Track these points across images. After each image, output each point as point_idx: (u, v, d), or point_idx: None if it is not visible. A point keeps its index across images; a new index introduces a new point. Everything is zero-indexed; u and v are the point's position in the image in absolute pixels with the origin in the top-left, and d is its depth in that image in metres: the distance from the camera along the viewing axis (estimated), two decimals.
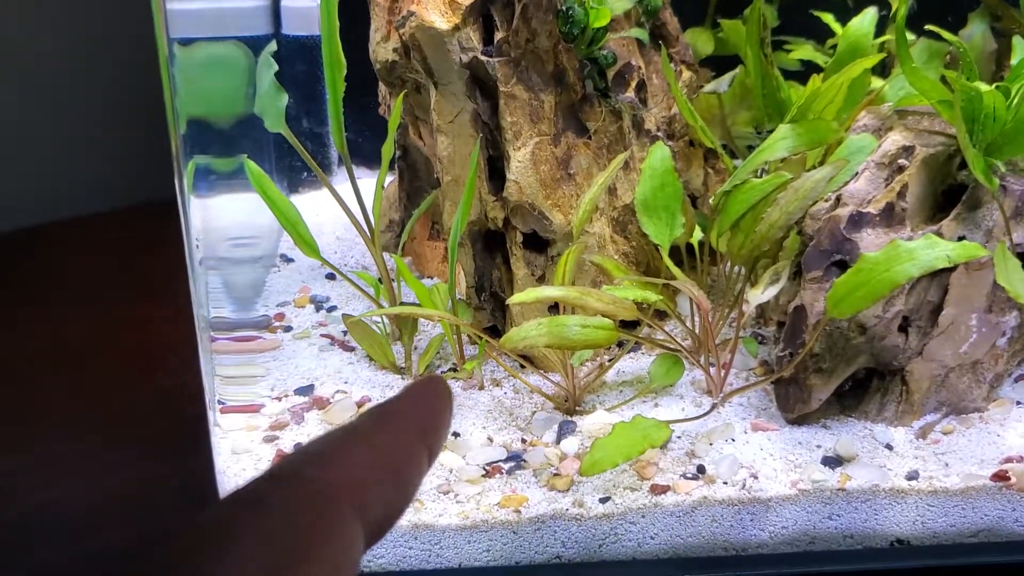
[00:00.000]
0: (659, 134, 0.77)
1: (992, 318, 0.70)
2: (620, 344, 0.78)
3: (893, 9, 0.81)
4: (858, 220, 0.66)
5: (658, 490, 0.65)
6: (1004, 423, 0.71)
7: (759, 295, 0.71)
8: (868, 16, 0.76)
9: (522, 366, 0.75)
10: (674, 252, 0.75)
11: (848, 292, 0.62)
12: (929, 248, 0.60)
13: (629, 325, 0.76)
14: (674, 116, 0.78)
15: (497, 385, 0.74)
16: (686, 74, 0.79)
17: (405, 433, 0.32)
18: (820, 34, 0.88)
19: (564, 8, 0.69)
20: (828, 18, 0.79)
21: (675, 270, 0.69)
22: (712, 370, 0.72)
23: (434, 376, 0.35)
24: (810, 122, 0.67)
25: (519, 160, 0.70)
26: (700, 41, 0.83)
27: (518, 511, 0.64)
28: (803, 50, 0.82)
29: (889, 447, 0.68)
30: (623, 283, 0.67)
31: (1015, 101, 0.67)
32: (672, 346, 0.72)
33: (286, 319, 0.81)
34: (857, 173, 0.69)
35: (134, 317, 0.96)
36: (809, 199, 0.64)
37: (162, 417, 0.76)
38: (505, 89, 0.70)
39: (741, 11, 0.82)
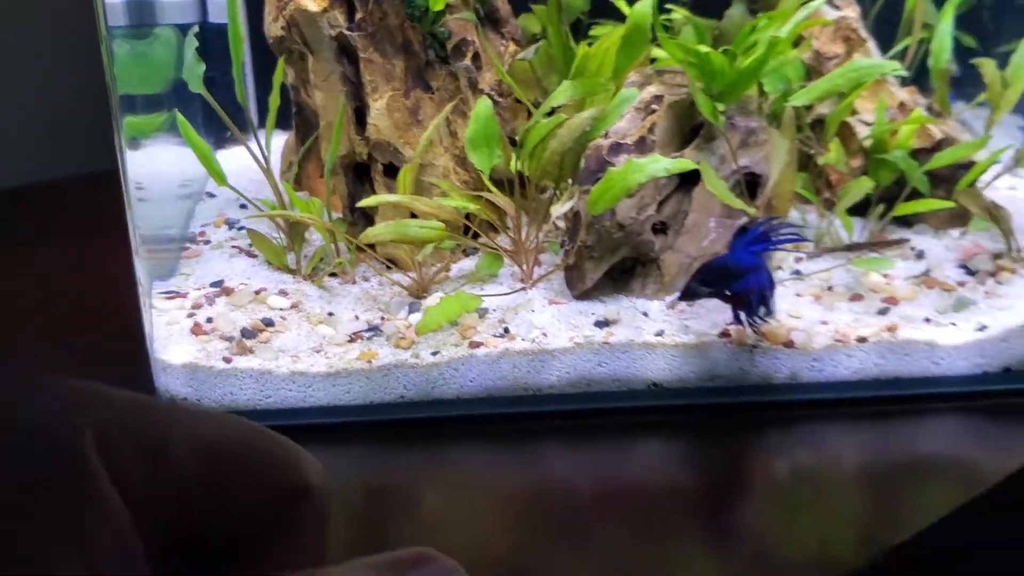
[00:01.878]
0: (491, 93, 1.00)
1: (727, 220, 0.93)
2: (465, 252, 1.01)
3: None
4: (616, 149, 0.89)
5: (474, 345, 0.87)
6: None
7: (559, 209, 0.94)
8: (646, 2, 0.99)
9: (388, 267, 0.97)
10: (509, 185, 0.97)
11: (599, 196, 0.85)
12: (653, 163, 0.83)
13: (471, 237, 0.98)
14: None
15: (366, 280, 0.97)
16: (512, 48, 1.02)
17: None
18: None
19: None
20: (621, 3, 1.01)
21: (493, 188, 0.92)
22: (526, 267, 0.96)
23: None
24: (585, 79, 0.90)
25: (377, 109, 0.93)
26: (529, 23, 1.06)
27: (370, 362, 0.86)
28: (605, 29, 1.05)
29: (646, 314, 0.90)
30: (450, 194, 0.90)
31: (735, 62, 0.91)
32: (495, 247, 0.95)
33: (206, 236, 1.03)
34: (623, 116, 0.92)
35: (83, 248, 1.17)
36: (576, 132, 0.87)
37: (104, 308, 0.98)
38: (364, 56, 0.92)
39: None
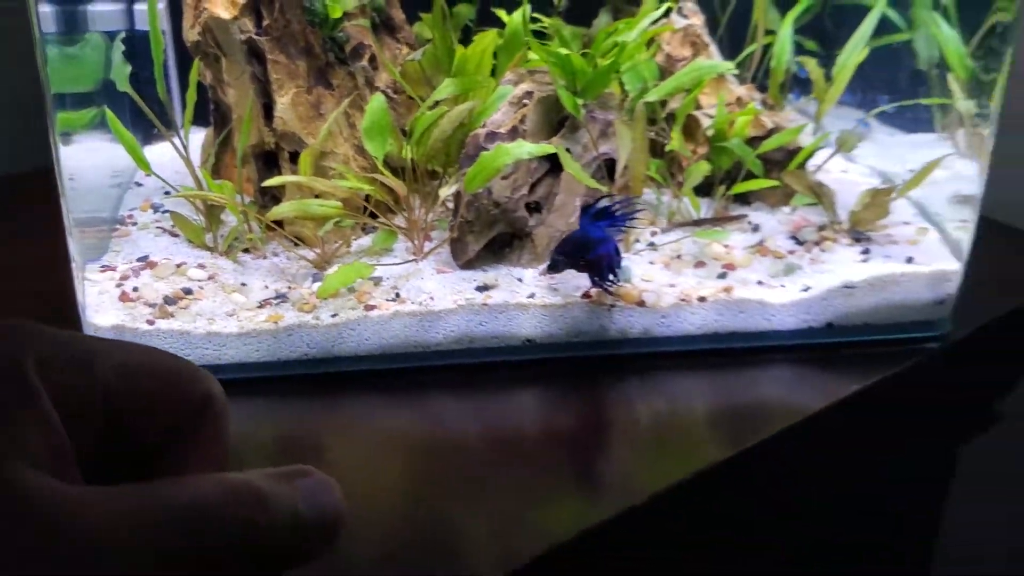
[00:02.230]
0: (387, 90, 1.12)
1: (589, 201, 1.07)
2: (364, 228, 1.13)
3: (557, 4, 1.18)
4: (492, 137, 1.02)
5: (369, 308, 0.99)
6: None
7: (446, 191, 1.07)
8: (521, 12, 1.12)
9: (295, 244, 1.09)
10: (404, 171, 1.10)
11: (474, 175, 0.98)
12: (518, 148, 0.96)
13: (371, 217, 1.11)
14: None
15: (276, 256, 1.08)
16: (406, 51, 1.15)
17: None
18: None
19: (308, 4, 1.05)
20: (501, 13, 1.14)
21: (387, 172, 1.05)
22: (418, 242, 1.08)
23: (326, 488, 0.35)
24: (465, 77, 1.03)
25: (283, 103, 1.05)
26: (424, 31, 1.19)
27: (277, 323, 0.98)
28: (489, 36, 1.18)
29: (520, 280, 1.02)
30: (346, 176, 1.02)
31: (594, 63, 1.05)
32: (389, 224, 1.08)
33: (134, 219, 1.14)
34: (499, 109, 1.05)
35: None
36: (456, 122, 1.00)
37: (43, 281, 1.09)
38: (271, 57, 1.04)
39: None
